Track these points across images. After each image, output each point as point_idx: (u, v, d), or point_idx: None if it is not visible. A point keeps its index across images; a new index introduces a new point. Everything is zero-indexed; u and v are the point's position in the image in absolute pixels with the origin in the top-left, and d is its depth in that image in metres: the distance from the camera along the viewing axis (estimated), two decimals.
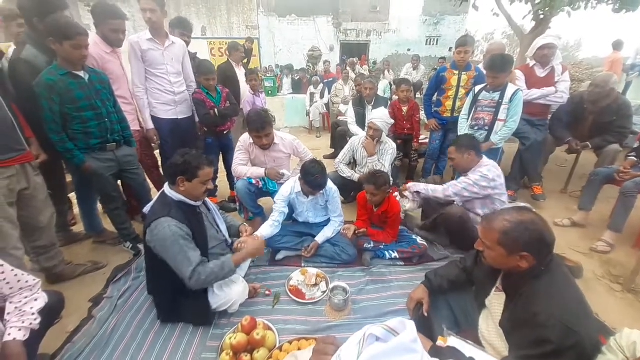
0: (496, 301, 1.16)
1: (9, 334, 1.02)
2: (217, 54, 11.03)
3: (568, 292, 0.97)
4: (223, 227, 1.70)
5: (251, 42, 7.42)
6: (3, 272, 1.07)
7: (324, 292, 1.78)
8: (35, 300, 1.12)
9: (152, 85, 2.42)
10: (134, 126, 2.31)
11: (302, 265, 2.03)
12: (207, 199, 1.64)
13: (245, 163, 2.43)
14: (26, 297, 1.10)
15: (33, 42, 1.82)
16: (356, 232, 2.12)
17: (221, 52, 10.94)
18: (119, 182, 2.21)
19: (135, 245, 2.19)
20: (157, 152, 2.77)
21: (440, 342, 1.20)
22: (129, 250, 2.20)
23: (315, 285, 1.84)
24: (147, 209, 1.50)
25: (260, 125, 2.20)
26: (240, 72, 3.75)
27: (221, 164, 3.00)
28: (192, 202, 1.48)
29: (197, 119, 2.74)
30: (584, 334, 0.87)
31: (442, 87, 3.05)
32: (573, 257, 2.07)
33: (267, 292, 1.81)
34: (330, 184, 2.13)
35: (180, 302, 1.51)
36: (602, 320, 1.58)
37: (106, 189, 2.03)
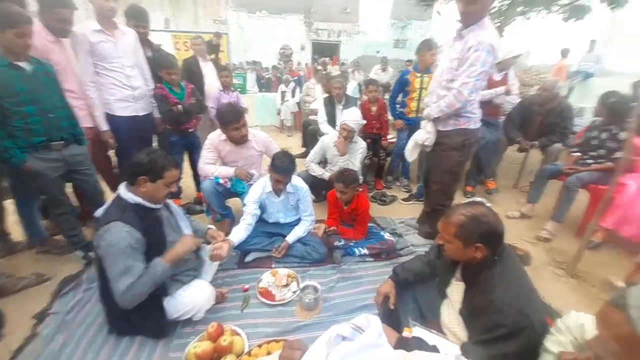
0: (456, 291, 1.23)
1: None
2: (182, 48, 10.50)
3: (518, 279, 1.06)
4: (188, 231, 1.60)
5: (219, 37, 7.16)
6: None
7: (295, 292, 1.77)
8: None
9: (106, 80, 2.22)
10: (85, 122, 2.12)
11: (273, 266, 2.00)
12: (169, 201, 1.55)
13: (213, 162, 2.33)
14: None
15: None
16: (326, 230, 2.14)
17: (186, 46, 10.44)
18: (69, 184, 2.02)
19: (87, 254, 2.01)
20: (112, 152, 2.56)
21: (406, 333, 1.25)
22: (81, 259, 2.02)
23: (286, 285, 1.82)
24: (99, 213, 1.38)
25: (238, 115, 2.14)
26: (207, 68, 3.60)
27: (186, 164, 2.85)
28: (151, 205, 1.38)
29: (157, 116, 2.57)
30: (534, 316, 0.95)
31: (407, 89, 3.17)
32: (523, 246, 2.26)
33: (244, 289, 1.78)
34: (301, 183, 2.12)
35: (134, 314, 1.36)
36: (548, 303, 1.74)
37: (51, 191, 1.84)
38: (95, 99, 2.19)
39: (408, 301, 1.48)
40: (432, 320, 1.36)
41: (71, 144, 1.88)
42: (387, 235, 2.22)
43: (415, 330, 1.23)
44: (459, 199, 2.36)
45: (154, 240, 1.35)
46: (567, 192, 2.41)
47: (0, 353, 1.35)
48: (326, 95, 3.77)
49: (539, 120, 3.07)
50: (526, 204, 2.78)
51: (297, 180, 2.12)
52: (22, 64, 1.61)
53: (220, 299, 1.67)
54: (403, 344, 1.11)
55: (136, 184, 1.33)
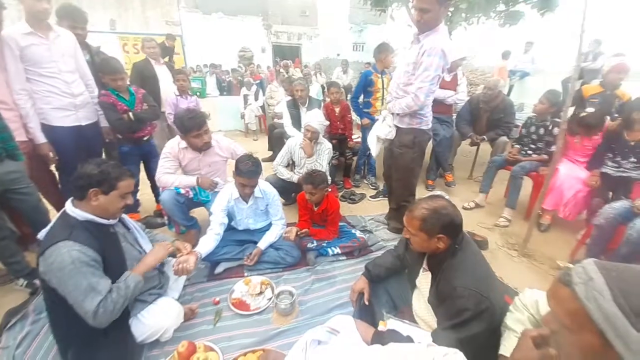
0: (424, 280, 1.30)
1: None
2: (131, 51, 9.77)
3: (477, 265, 1.15)
4: (148, 247, 1.49)
5: (172, 39, 6.77)
6: None
7: (270, 299, 1.74)
8: None
9: (40, 87, 1.99)
10: (19, 136, 1.88)
11: (245, 274, 1.94)
12: (124, 216, 1.43)
13: (172, 171, 2.19)
14: None
15: None
16: (298, 233, 2.13)
17: (136, 49, 9.73)
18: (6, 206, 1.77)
19: (31, 282, 1.78)
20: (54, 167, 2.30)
21: (381, 326, 1.29)
22: (23, 288, 1.78)
23: (260, 293, 1.77)
24: (42, 234, 1.23)
25: (199, 122, 2.04)
26: (161, 71, 3.40)
27: (143, 175, 2.66)
28: (104, 221, 1.27)
29: (103, 125, 2.36)
30: (493, 298, 1.04)
31: (370, 89, 3.29)
32: (480, 233, 2.46)
33: (215, 302, 1.70)
34: (269, 188, 2.08)
35: (97, 341, 1.26)
36: (505, 282, 1.91)
37: None
38: (29, 109, 1.95)
39: (381, 295, 1.52)
40: (405, 310, 1.42)
41: (4, 160, 1.65)
42: (358, 233, 2.27)
43: (390, 323, 1.28)
44: (421, 192, 2.51)
45: (112, 260, 1.23)
46: (514, 180, 2.68)
47: None
48: (289, 98, 3.77)
49: (485, 116, 3.36)
50: (479, 193, 3.02)
51: (265, 185, 2.08)
52: None
53: (189, 315, 1.58)
54: (379, 338, 1.15)
55: (86, 198, 1.21)
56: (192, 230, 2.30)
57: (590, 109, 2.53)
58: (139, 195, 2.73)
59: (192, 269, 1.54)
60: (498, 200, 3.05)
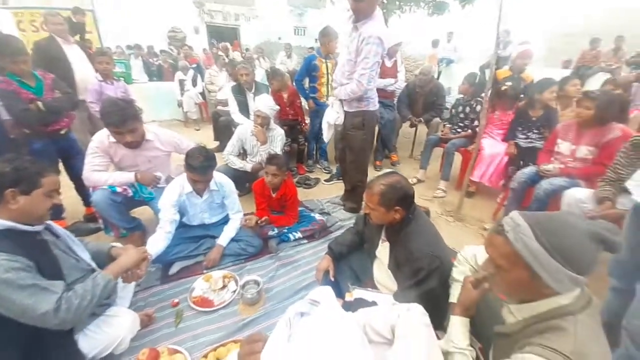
0: (383, 250, 1.42)
1: None
2: (28, 29, 7.97)
3: (428, 231, 1.29)
4: (85, 255, 1.29)
5: (81, 14, 5.71)
6: None
7: (234, 291, 1.69)
8: None
9: None
10: None
11: (204, 272, 1.84)
12: (50, 222, 1.22)
13: (103, 168, 1.90)
14: None
15: None
16: (258, 222, 2.09)
17: (35, 25, 7.97)
18: None
19: None
20: None
21: (348, 297, 1.38)
22: None
23: (224, 287, 1.71)
24: None
25: (120, 119, 1.74)
26: (72, 52, 2.87)
27: (63, 176, 2.26)
28: (28, 228, 1.06)
29: (4, 118, 1.94)
30: (443, 257, 1.20)
31: (315, 74, 3.29)
32: (423, 204, 2.74)
33: (173, 304, 1.60)
34: (224, 179, 1.98)
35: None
36: (451, 247, 2.18)
37: None
38: None
39: (345, 270, 1.61)
40: (367, 281, 1.53)
41: None
42: (317, 216, 2.33)
43: (356, 293, 1.38)
44: (371, 173, 2.66)
45: (46, 271, 1.04)
46: (447, 156, 3.03)
47: None
48: (234, 83, 3.56)
49: (421, 99, 3.68)
50: (419, 170, 3.35)
51: (220, 177, 1.96)
52: None
53: (146, 322, 1.45)
54: (348, 307, 1.24)
55: (3, 202, 1.00)
56: (135, 232, 2.06)
57: (507, 84, 2.97)
58: (60, 199, 2.33)
59: (142, 274, 1.39)
60: (435, 174, 3.42)
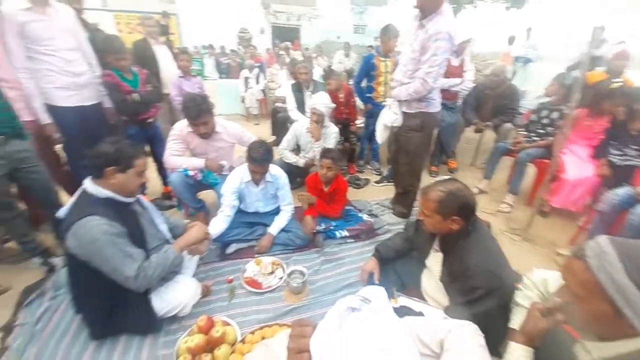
0: (435, 260, 1.35)
1: None
2: (124, 30, 9.44)
3: (489, 246, 1.19)
4: (163, 227, 1.52)
5: (167, 18, 6.54)
6: None
7: (281, 278, 1.79)
8: None
9: (41, 66, 1.93)
10: (24, 116, 1.86)
11: (256, 256, 1.99)
12: (140, 196, 1.44)
13: (180, 153, 2.19)
14: None
15: None
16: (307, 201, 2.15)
17: (129, 27, 9.40)
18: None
19: (47, 260, 1.81)
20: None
21: (392, 303, 1.35)
22: (38, 267, 1.81)
23: (271, 273, 1.83)
24: (62, 213, 1.24)
25: (196, 113, 1.98)
26: (161, 51, 3.31)
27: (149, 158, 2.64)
28: (123, 199, 1.29)
29: (107, 106, 2.32)
30: (504, 277, 1.10)
31: (372, 73, 3.24)
32: (483, 217, 2.51)
33: (228, 281, 1.75)
34: (280, 172, 2.10)
35: (119, 314, 1.33)
36: (515, 270, 1.98)
37: None
38: (32, 88, 1.91)
39: (390, 275, 1.58)
40: (413, 289, 1.48)
41: (11, 139, 1.64)
42: (365, 217, 2.32)
43: (401, 300, 1.34)
44: (425, 178, 2.55)
45: (134, 236, 1.26)
46: (519, 166, 2.72)
47: None
48: (293, 81, 3.71)
49: (491, 102, 3.35)
50: (482, 180, 3.07)
51: (276, 170, 2.09)
52: None
53: (205, 292, 1.63)
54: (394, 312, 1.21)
55: (104, 177, 1.23)
56: (201, 212, 2.32)
57: (618, 82, 2.53)
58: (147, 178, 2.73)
59: (203, 250, 1.58)
60: (500, 186, 3.10)
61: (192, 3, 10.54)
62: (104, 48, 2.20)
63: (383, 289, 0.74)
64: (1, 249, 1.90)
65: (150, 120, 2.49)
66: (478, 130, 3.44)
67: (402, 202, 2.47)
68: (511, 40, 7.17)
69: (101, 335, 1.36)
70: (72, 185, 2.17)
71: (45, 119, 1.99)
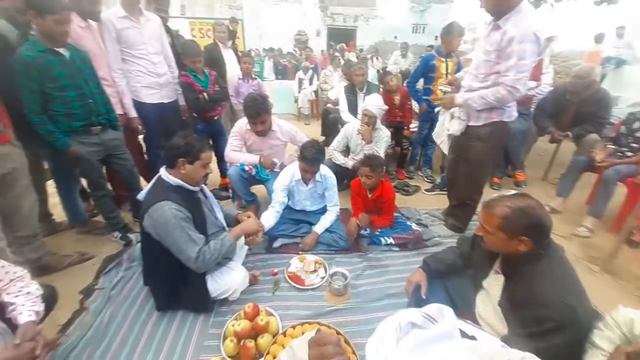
0: (494, 283, 1.22)
1: (29, 315, 0.99)
2: (197, 35, 10.49)
3: (565, 273, 1.04)
4: (220, 215, 1.66)
5: (235, 23, 7.09)
6: None
7: (323, 277, 1.81)
8: (37, 288, 1.09)
9: (132, 67, 2.24)
10: (116, 110, 2.17)
11: (300, 252, 2.04)
12: (204, 186, 1.59)
13: (239, 149, 2.36)
14: (22, 287, 1.05)
15: (3, 15, 1.64)
16: (358, 223, 2.06)
17: (202, 32, 10.41)
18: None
19: (125, 235, 2.11)
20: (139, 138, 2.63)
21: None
22: (118, 240, 2.11)
23: (314, 271, 1.85)
24: (141, 195, 1.43)
25: (255, 112, 2.13)
26: (228, 54, 3.59)
27: None
28: (191, 187, 1.44)
29: (182, 104, 2.60)
30: (581, 311, 0.94)
31: (431, 74, 3.07)
32: (555, 241, 2.20)
33: (273, 273, 1.84)
34: (329, 173, 2.13)
35: (179, 290, 1.49)
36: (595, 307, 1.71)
37: (93, 175, 1.92)
38: (124, 86, 2.23)
39: (439, 291, 1.47)
40: (464, 311, 1.36)
41: (108, 129, 1.94)
42: (413, 226, 2.21)
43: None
44: (487, 192, 2.32)
45: (197, 221, 1.41)
46: (605, 185, 2.31)
47: (48, 327, 1.40)
48: (346, 83, 3.71)
49: (573, 109, 2.92)
50: (556, 197, 2.69)
51: (325, 170, 2.12)
52: (60, 50, 1.65)
53: (253, 281, 1.73)
54: None
55: (176, 167, 1.38)
56: (252, 205, 2.47)
57: None
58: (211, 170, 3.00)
59: (258, 241, 1.68)
60: (578, 206, 2.68)
61: (256, 8, 11.24)
62: (183, 51, 2.48)
63: (451, 311, 0.69)
64: (90, 222, 2.25)
65: (216, 117, 2.72)
66: (554, 141, 3.02)
67: (458, 215, 2.28)
68: (599, 38, 6.17)
69: (163, 307, 1.54)
70: (148, 172, 2.50)
71: (133, 113, 2.31)
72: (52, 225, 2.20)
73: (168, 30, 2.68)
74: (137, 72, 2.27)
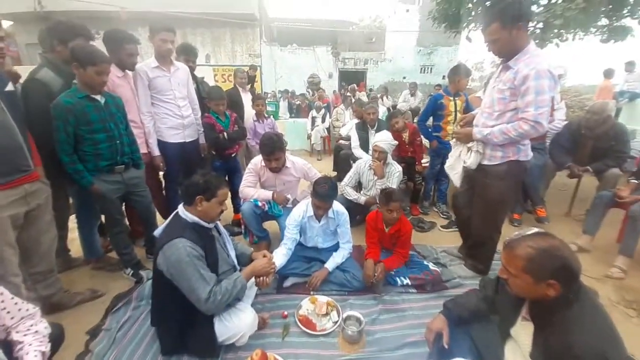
0: (523, 331, 1.11)
1: (35, 356, 0.98)
2: (220, 80, 11.41)
3: (601, 321, 0.94)
4: (232, 253, 1.64)
5: (254, 70, 7.71)
6: (3, 301, 1.01)
7: (336, 322, 1.70)
8: (45, 327, 1.08)
9: (160, 110, 2.43)
10: (142, 149, 2.31)
11: (311, 292, 1.95)
12: (218, 222, 1.60)
13: (253, 185, 2.42)
14: (31, 326, 1.04)
15: (50, 65, 1.86)
16: (374, 274, 1.95)
17: (224, 77, 11.34)
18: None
19: (137, 272, 2.10)
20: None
21: None
22: (129, 277, 2.11)
23: (326, 315, 1.75)
24: (158, 232, 1.45)
25: (270, 150, 2.23)
26: (246, 97, 3.84)
27: None
28: (206, 224, 1.45)
29: (202, 142, 2.75)
30: None
31: (440, 112, 3.15)
32: (586, 283, 2.02)
33: (283, 316, 1.76)
34: (342, 209, 2.11)
35: (186, 332, 1.43)
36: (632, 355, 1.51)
37: (111, 211, 1.99)
38: (151, 128, 2.39)
39: (462, 340, 1.35)
40: None
41: (130, 167, 2.05)
42: (431, 265, 2.10)
43: None
44: (506, 229, 2.22)
45: (209, 259, 1.39)
46: (633, 222, 2.17)
47: None
48: (357, 120, 3.85)
49: (590, 144, 2.87)
50: (582, 235, 2.53)
51: (338, 206, 2.11)
52: (96, 96, 1.82)
53: (261, 324, 1.64)
54: None
55: (194, 204, 1.40)
56: (263, 241, 2.45)
57: None
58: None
59: (270, 284, 1.66)
60: (608, 244, 2.50)
61: (273, 56, 12.26)
62: (209, 96, 2.71)
63: None
64: (105, 258, 2.28)
65: (233, 154, 2.84)
66: (574, 176, 2.93)
67: (477, 255, 2.15)
68: (608, 73, 6.26)
69: (169, 350, 1.47)
70: (166, 208, 2.57)
71: (157, 152, 2.45)
72: (67, 261, 2.24)
73: (194, 77, 2.94)
74: (164, 114, 2.45)
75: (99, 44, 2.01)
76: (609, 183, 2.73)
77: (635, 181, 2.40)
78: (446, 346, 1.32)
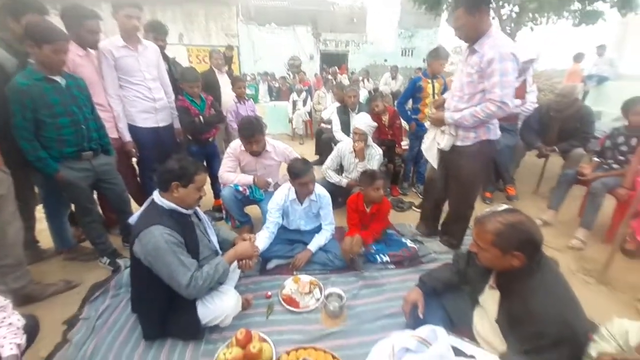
0: (490, 299, 1.21)
1: (11, 349, 0.96)
2: (194, 61, 10.83)
3: (560, 288, 1.03)
4: (214, 238, 1.62)
5: (231, 50, 7.35)
6: None
7: (318, 299, 1.76)
8: (18, 319, 1.05)
9: (129, 93, 2.28)
10: (110, 133, 2.18)
11: (294, 273, 1.99)
12: (197, 208, 1.57)
13: (233, 170, 2.37)
14: (3, 318, 1.01)
15: (3, 44, 1.69)
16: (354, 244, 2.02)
17: (199, 59, 10.77)
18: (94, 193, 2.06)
19: (114, 261, 2.05)
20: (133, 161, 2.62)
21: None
22: (106, 266, 2.05)
23: (309, 292, 1.80)
24: (133, 219, 1.41)
25: (250, 133, 2.18)
26: (223, 79, 3.69)
27: None
28: (184, 210, 1.42)
29: (176, 127, 2.64)
30: (578, 325, 0.93)
31: (419, 95, 3.19)
32: (549, 254, 2.19)
33: (267, 296, 1.78)
34: (323, 191, 2.13)
35: (168, 317, 1.42)
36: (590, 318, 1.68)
37: (81, 200, 1.89)
38: (120, 112, 2.26)
39: (436, 310, 1.45)
40: (462, 329, 1.33)
41: (100, 154, 1.94)
42: (409, 243, 2.20)
43: (450, 340, 1.21)
44: (478, 206, 2.33)
45: (189, 245, 1.37)
46: (593, 197, 2.36)
47: None
48: (339, 104, 3.82)
49: (557, 125, 3.02)
50: (547, 210, 2.72)
51: (320, 189, 2.13)
52: (56, 77, 1.67)
53: (245, 305, 1.67)
54: None
55: (169, 190, 1.36)
56: (246, 226, 2.44)
57: None
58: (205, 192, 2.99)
59: (253, 267, 1.66)
60: (570, 218, 2.71)
61: (251, 36, 11.74)
62: (182, 77, 2.55)
63: (444, 331, 0.68)
64: (77, 248, 2.19)
65: (210, 139, 2.75)
66: (541, 156, 3.11)
67: (452, 231, 2.28)
68: (578, 57, 6.53)
69: (151, 335, 1.47)
70: (141, 195, 2.48)
71: (128, 137, 2.33)
72: (37, 253, 2.13)
73: (165, 57, 2.77)
74: (134, 97, 2.31)
75: (57, 20, 1.84)
76: (573, 162, 2.91)
77: (597, 159, 2.58)
78: (421, 316, 1.41)
